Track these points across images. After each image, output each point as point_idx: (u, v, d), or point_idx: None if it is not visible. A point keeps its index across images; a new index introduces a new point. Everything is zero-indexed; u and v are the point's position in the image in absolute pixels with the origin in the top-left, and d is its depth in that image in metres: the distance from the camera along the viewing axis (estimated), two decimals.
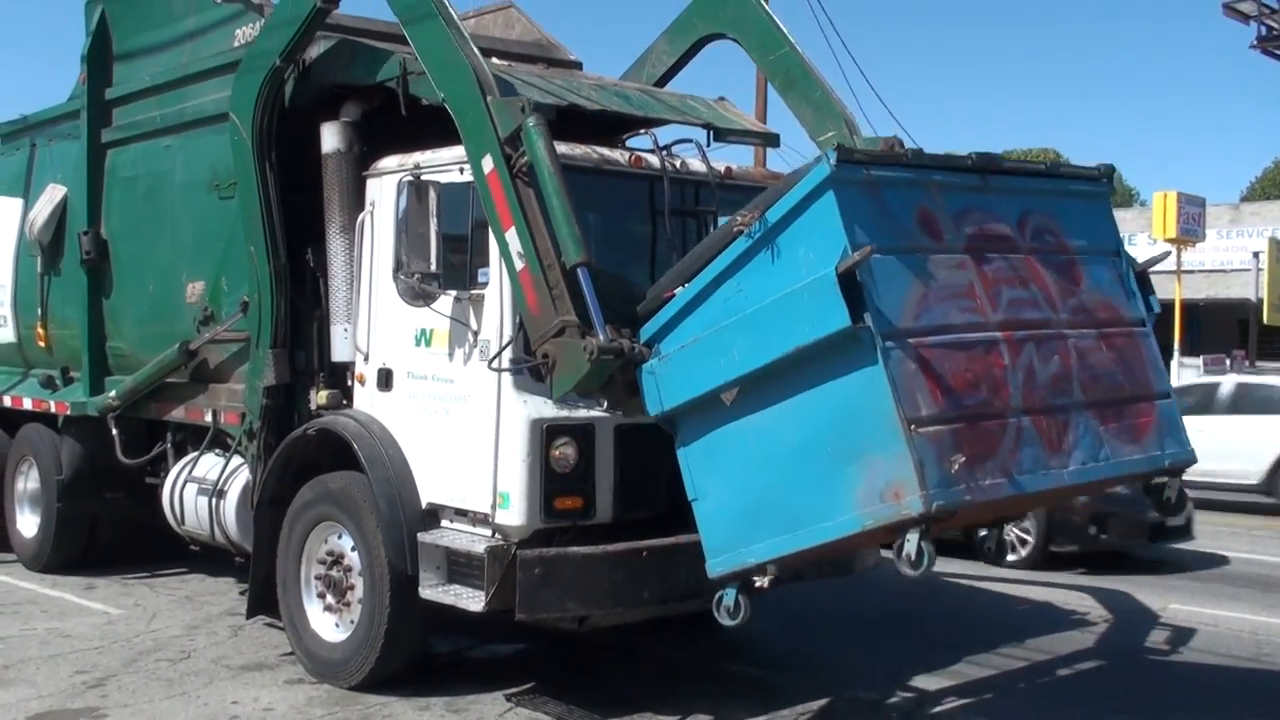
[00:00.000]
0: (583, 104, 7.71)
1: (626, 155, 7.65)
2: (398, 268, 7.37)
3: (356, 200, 7.84)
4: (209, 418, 9.18)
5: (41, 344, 11.11)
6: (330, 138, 7.92)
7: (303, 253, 8.18)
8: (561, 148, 6.80)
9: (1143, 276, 7.08)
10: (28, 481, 11.28)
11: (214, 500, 8.82)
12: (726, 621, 6.29)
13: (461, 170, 7.05)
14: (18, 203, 11.46)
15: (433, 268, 7.00)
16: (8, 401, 11.48)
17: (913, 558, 5.46)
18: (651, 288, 6.63)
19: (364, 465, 7.37)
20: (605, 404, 6.65)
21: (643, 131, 8.32)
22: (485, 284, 6.98)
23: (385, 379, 7.60)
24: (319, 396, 8.06)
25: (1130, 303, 6.95)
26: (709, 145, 8.26)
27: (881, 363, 5.50)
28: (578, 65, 9.95)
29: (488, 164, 6.74)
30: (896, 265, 5.79)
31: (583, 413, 6.89)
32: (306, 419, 8.15)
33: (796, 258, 5.80)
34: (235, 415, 8.80)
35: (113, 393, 9.98)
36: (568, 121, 7.41)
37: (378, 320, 7.68)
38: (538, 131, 6.56)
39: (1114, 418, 6.50)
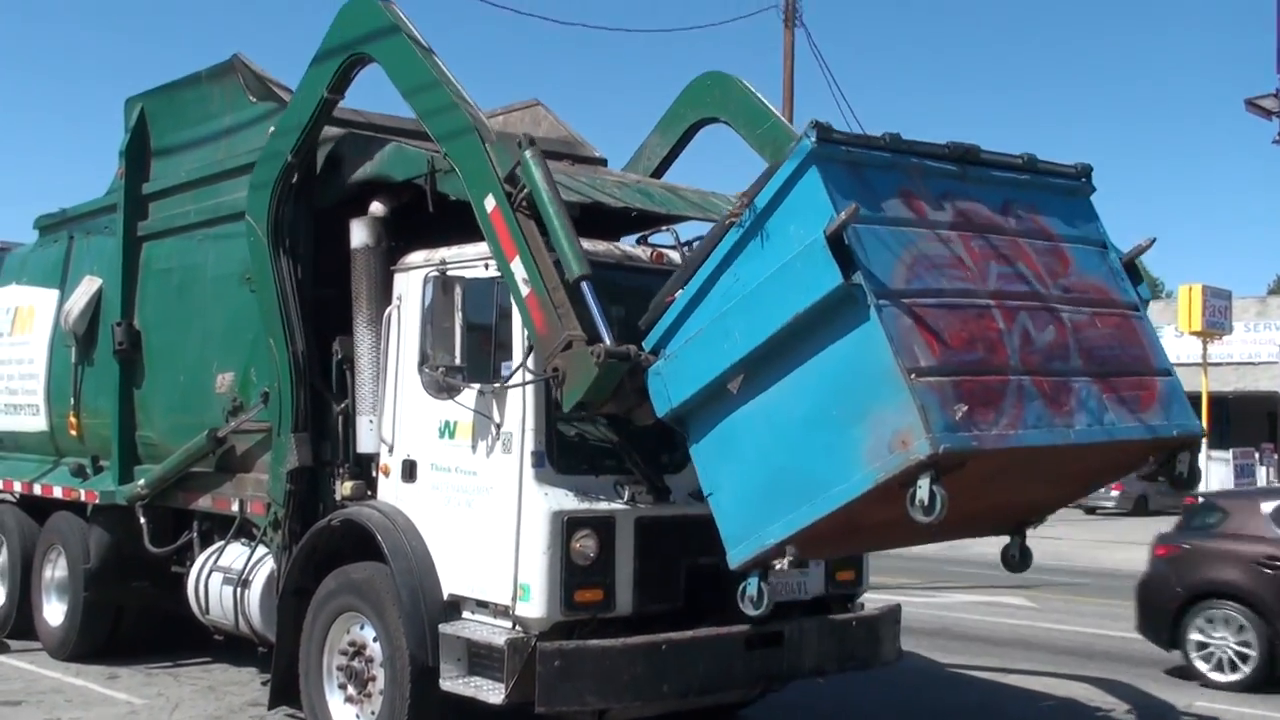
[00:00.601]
0: (607, 201, 7.88)
1: (649, 251, 7.81)
2: (423, 361, 7.50)
3: (384, 294, 8.01)
4: (235, 507, 9.28)
5: (73, 433, 11.26)
6: (359, 233, 8.11)
7: (330, 344, 8.33)
8: (586, 244, 6.96)
9: (1130, 265, 7.12)
10: (55, 570, 11.34)
11: (239, 590, 8.88)
12: (750, 611, 6.34)
13: (486, 266, 7.21)
14: (53, 294, 11.70)
15: (457, 361, 7.13)
16: (38, 490, 11.61)
17: (925, 503, 5.48)
18: (654, 299, 6.75)
19: (387, 556, 7.44)
20: (617, 411, 6.72)
21: (665, 228, 8.48)
22: (509, 377, 7.08)
23: (409, 470, 7.69)
24: (344, 487, 8.15)
25: (1122, 288, 6.97)
26: None
27: (876, 317, 5.62)
28: (602, 161, 10.17)
29: (490, 203, 7.02)
30: (884, 234, 5.93)
31: (604, 505, 6.97)
32: (331, 509, 8.24)
33: (787, 235, 5.96)
34: (261, 505, 8.89)
35: (141, 481, 10.09)
36: (592, 217, 7.58)
37: (403, 412, 7.80)
38: (535, 163, 6.88)
39: (1116, 388, 6.48)
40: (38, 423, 11.83)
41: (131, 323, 10.38)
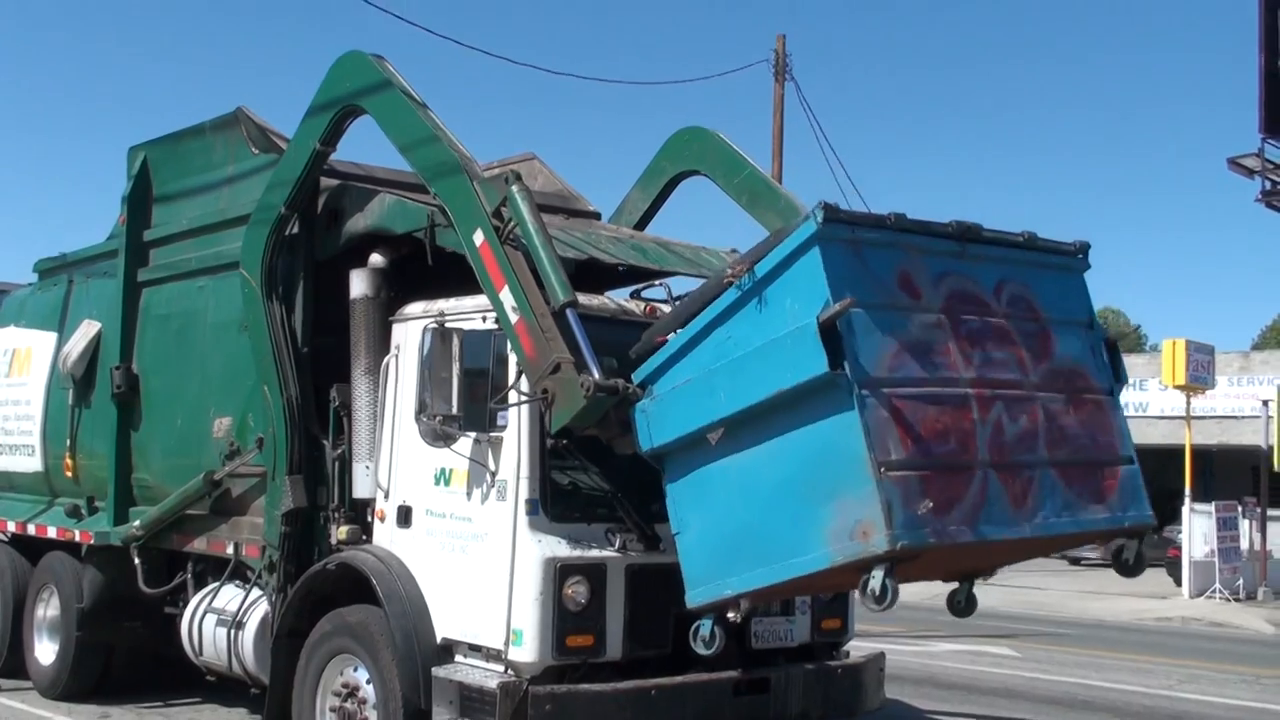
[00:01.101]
0: (601, 257, 8.09)
1: (642, 306, 8.01)
2: (420, 409, 7.63)
3: (382, 344, 8.18)
4: (230, 550, 9.40)
5: (69, 474, 11.36)
6: (358, 284, 8.30)
7: (327, 392, 8.49)
8: (581, 298, 7.16)
9: (1112, 346, 7.38)
10: (48, 609, 11.40)
11: (233, 631, 8.99)
12: (702, 651, 6.64)
13: (484, 318, 7.40)
14: (51, 337, 11.83)
15: (454, 410, 7.27)
16: (32, 530, 11.69)
17: (877, 593, 5.78)
18: (646, 331, 7.03)
19: (382, 600, 7.56)
20: (603, 437, 6.99)
21: (658, 282, 8.68)
22: (504, 426, 7.25)
23: (405, 516, 7.84)
24: (340, 532, 8.28)
25: (1100, 372, 7.22)
26: None
27: (857, 409, 5.86)
28: (596, 215, 10.39)
29: (479, 237, 7.33)
30: (875, 319, 6.17)
31: (595, 552, 7.13)
32: (327, 554, 8.36)
33: (783, 308, 6.21)
34: (256, 548, 9.02)
35: (136, 522, 10.19)
36: (586, 271, 7.78)
37: (399, 459, 7.95)
38: (521, 197, 7.24)
39: (1078, 479, 6.76)
40: (33, 463, 11.92)
41: (130, 367, 10.51)
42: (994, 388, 6.51)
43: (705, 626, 6.62)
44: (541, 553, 6.99)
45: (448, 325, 7.46)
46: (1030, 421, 6.61)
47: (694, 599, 6.57)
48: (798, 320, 6.03)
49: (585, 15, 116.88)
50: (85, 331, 11.12)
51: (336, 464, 8.45)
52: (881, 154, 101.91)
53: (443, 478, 7.62)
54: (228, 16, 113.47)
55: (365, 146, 9.55)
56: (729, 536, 6.43)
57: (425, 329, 7.61)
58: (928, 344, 6.35)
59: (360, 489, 8.23)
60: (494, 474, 7.28)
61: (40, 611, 11.51)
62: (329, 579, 8.13)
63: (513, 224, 7.22)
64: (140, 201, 10.74)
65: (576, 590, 7.01)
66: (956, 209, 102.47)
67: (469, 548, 7.38)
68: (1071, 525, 6.67)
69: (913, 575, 6.38)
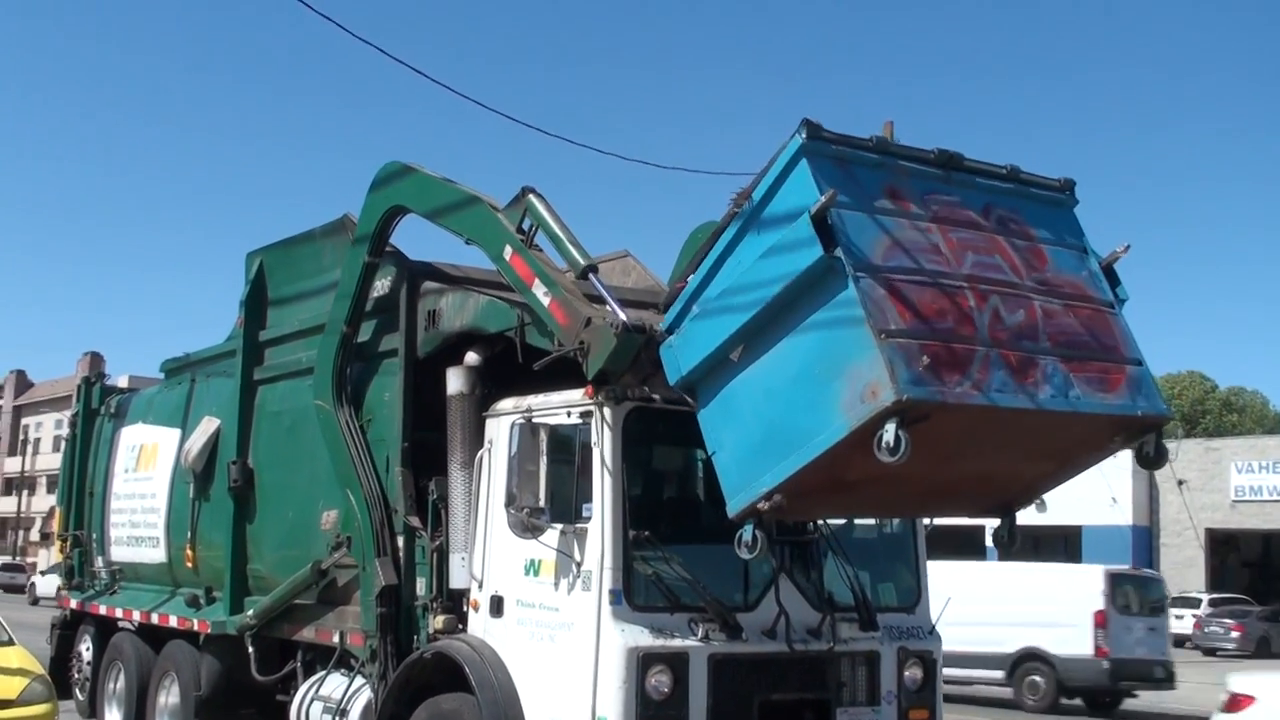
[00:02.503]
0: None
1: None
2: (509, 501, 7.90)
3: (477, 438, 8.48)
4: (336, 639, 9.71)
5: (189, 565, 11.84)
6: (454, 381, 8.63)
7: (426, 485, 8.83)
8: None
9: (1109, 269, 7.44)
10: (169, 696, 11.85)
11: (337, 718, 9.28)
12: (745, 555, 6.81)
13: (569, 414, 7.66)
14: (175, 433, 12.42)
15: (541, 502, 7.54)
16: (155, 619, 12.20)
17: (891, 444, 5.99)
18: (669, 284, 7.50)
19: (474, 688, 7.78)
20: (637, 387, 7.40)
21: None
22: (589, 518, 7.46)
23: (497, 605, 8.07)
24: (436, 621, 8.54)
25: (1099, 287, 7.31)
26: None
27: (853, 285, 6.21)
28: None
29: (508, 252, 8.15)
30: (866, 220, 6.54)
31: (678, 642, 7.27)
32: (425, 644, 8.62)
33: (780, 220, 6.60)
34: (360, 637, 9.32)
35: (250, 612, 10.59)
36: None
37: (492, 550, 8.20)
38: (537, 199, 8.17)
39: (1084, 369, 6.86)
40: (157, 554, 12.47)
41: (246, 461, 10.99)
42: (988, 285, 6.74)
43: (747, 532, 6.80)
44: (624, 642, 7.16)
45: (535, 420, 7.74)
46: (1028, 317, 6.80)
47: (734, 507, 6.81)
48: (794, 221, 6.42)
49: (691, 102, 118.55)
50: (205, 428, 11.65)
51: (435, 555, 8.74)
52: None
53: (532, 568, 7.85)
54: (341, 121, 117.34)
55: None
56: (757, 441, 6.71)
57: (514, 424, 7.90)
58: (919, 243, 6.66)
59: (456, 579, 8.48)
60: (579, 564, 7.48)
61: (162, 698, 11.96)
62: (426, 668, 8.37)
63: (535, 228, 7.96)
64: (256, 304, 11.30)
65: (659, 679, 7.15)
66: None
67: (557, 636, 7.57)
68: (1081, 405, 6.75)
69: (945, 485, 6.75)
